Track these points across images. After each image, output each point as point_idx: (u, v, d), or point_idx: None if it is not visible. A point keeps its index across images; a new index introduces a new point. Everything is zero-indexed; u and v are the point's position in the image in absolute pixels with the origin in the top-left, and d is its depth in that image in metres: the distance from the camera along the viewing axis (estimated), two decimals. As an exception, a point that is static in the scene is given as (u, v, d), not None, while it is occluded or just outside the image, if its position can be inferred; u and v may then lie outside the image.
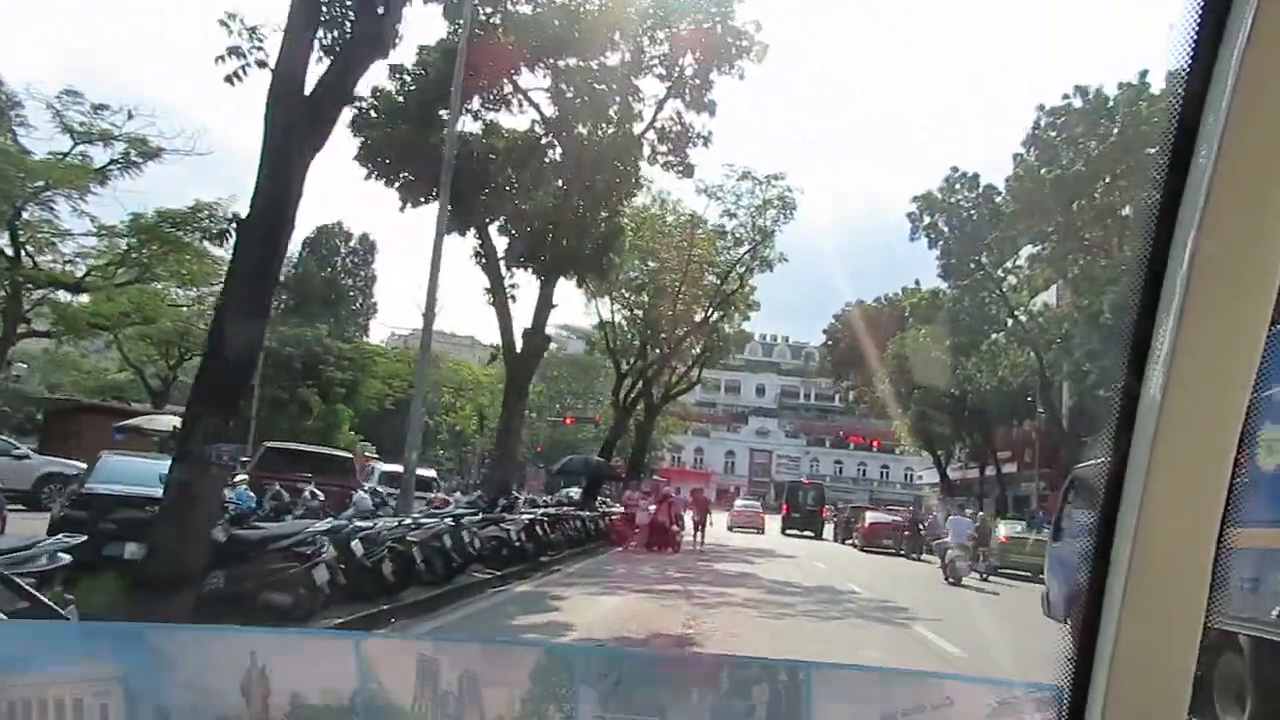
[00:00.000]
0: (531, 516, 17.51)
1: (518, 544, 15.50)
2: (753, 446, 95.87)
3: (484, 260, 21.34)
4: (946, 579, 21.56)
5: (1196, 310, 1.06)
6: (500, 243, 22.40)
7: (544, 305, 21.82)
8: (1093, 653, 1.19)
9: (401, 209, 21.93)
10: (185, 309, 39.68)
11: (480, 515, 15.45)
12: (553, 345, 69.09)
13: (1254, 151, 1.01)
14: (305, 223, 61.73)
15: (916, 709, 1.53)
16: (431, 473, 21.59)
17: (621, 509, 27.84)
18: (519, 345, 21.98)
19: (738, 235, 33.38)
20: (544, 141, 21.45)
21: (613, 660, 1.94)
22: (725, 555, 25.81)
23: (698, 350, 39.26)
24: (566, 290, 31.95)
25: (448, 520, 12.58)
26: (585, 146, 21.12)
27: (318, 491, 14.77)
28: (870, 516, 35.18)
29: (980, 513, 31.65)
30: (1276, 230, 1.02)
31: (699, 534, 26.04)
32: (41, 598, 3.80)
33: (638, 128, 22.20)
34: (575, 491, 32.88)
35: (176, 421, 27.43)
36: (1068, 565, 11.14)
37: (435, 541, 12.07)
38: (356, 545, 10.25)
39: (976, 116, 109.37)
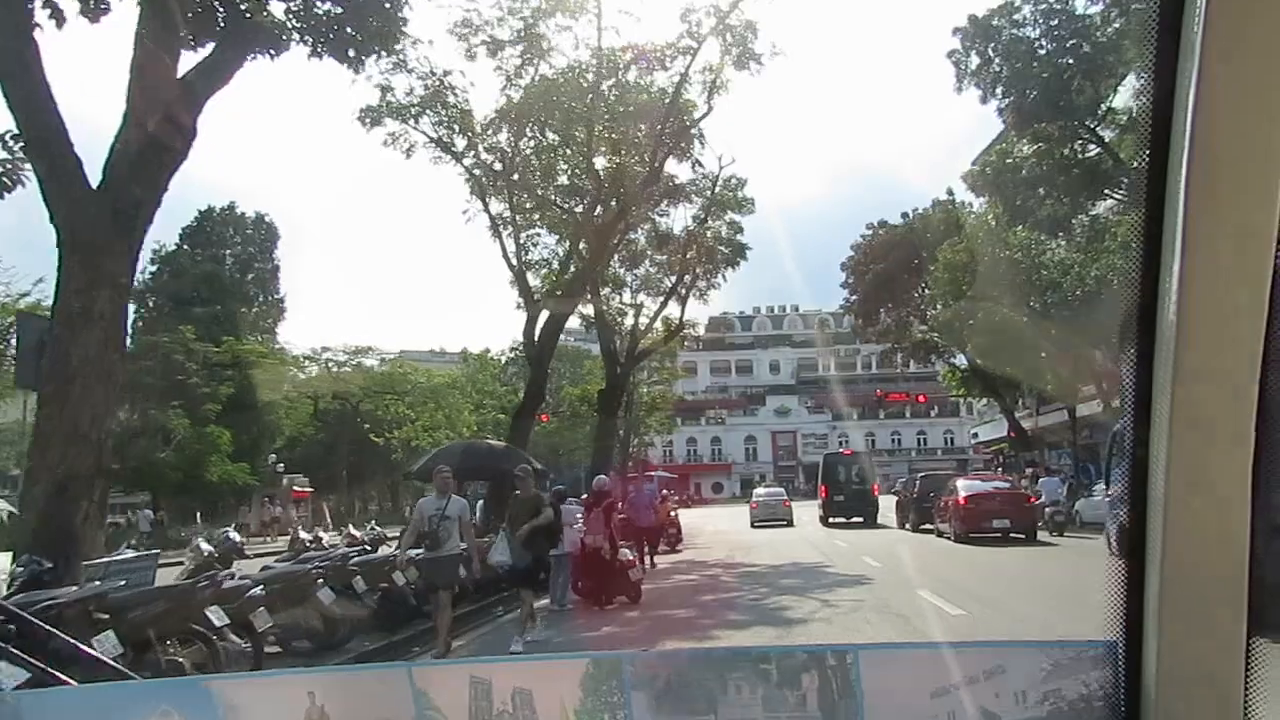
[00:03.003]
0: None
1: None
2: (774, 428, 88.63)
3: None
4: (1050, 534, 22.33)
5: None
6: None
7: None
8: (1142, 606, 1.23)
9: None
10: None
11: None
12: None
13: None
14: (187, 207, 48.60)
15: (970, 680, 1.50)
16: None
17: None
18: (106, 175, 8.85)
19: (690, 22, 20.94)
20: None
21: (661, 661, 1.75)
22: (736, 595, 13.36)
23: (675, 276, 26.64)
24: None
25: None
26: None
27: None
28: (964, 487, 22.29)
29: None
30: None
31: (633, 573, 12.60)
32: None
33: None
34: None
35: None
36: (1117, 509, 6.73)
37: None
38: None
39: None
